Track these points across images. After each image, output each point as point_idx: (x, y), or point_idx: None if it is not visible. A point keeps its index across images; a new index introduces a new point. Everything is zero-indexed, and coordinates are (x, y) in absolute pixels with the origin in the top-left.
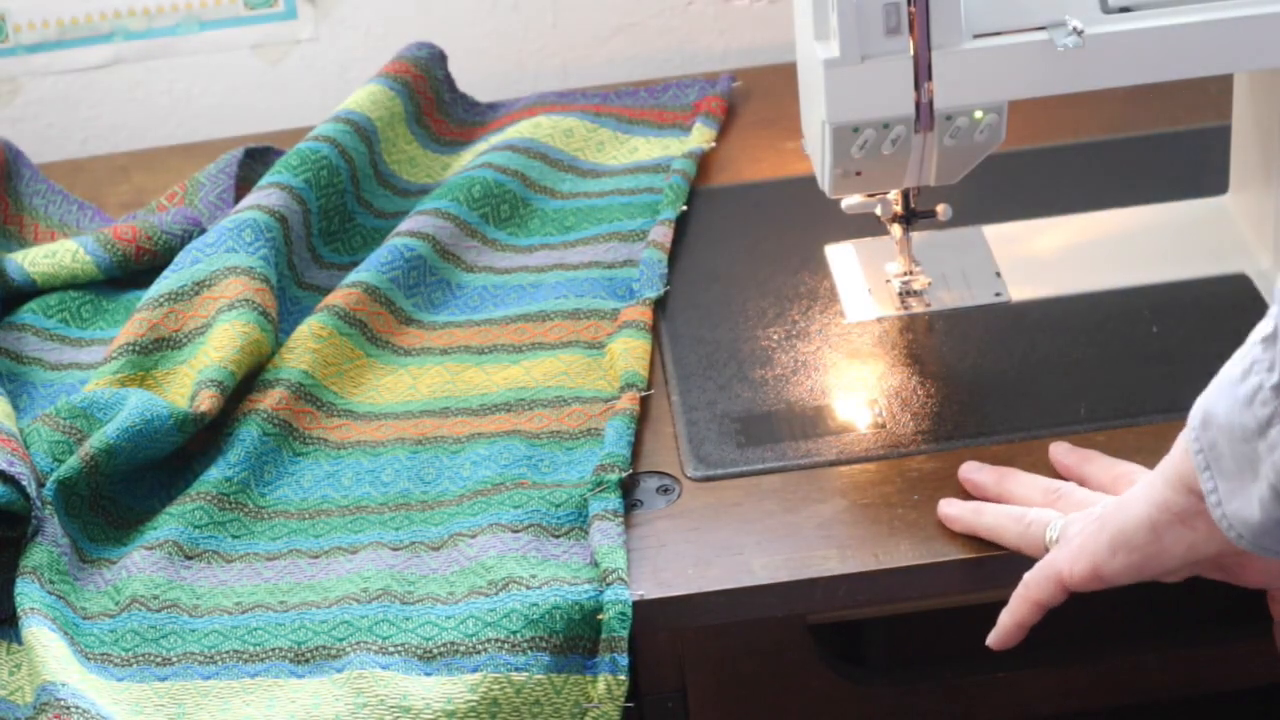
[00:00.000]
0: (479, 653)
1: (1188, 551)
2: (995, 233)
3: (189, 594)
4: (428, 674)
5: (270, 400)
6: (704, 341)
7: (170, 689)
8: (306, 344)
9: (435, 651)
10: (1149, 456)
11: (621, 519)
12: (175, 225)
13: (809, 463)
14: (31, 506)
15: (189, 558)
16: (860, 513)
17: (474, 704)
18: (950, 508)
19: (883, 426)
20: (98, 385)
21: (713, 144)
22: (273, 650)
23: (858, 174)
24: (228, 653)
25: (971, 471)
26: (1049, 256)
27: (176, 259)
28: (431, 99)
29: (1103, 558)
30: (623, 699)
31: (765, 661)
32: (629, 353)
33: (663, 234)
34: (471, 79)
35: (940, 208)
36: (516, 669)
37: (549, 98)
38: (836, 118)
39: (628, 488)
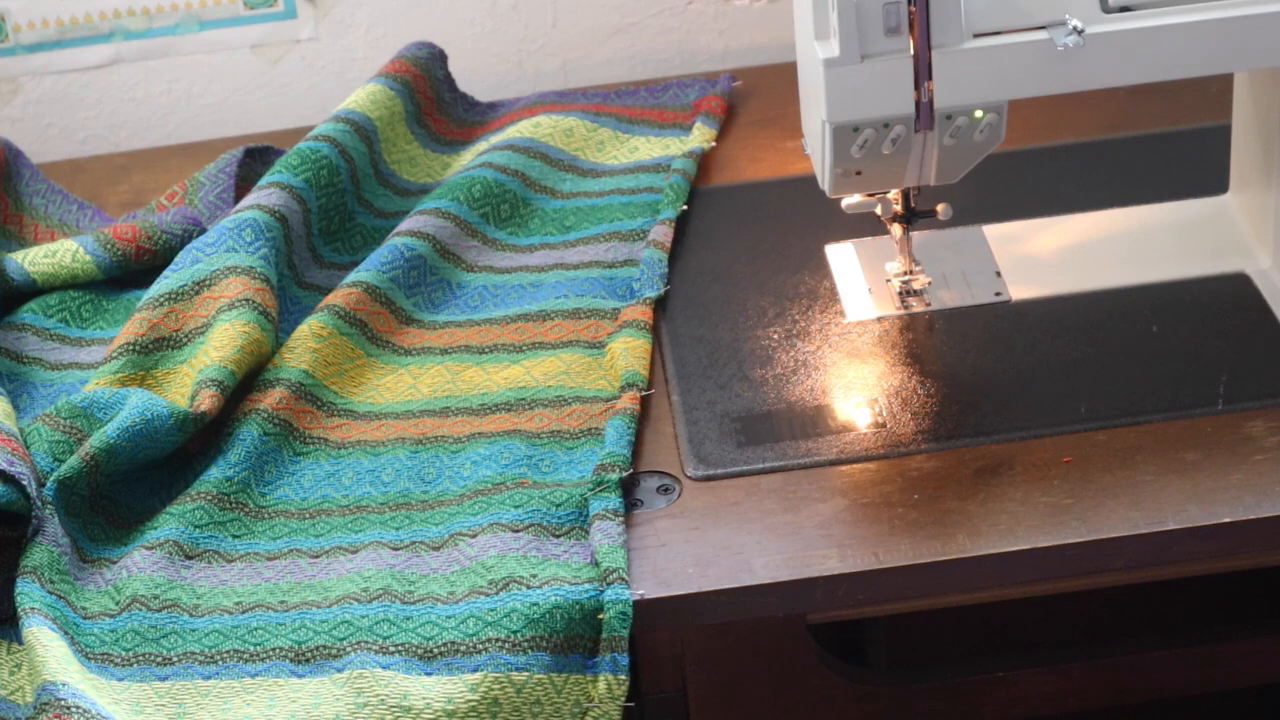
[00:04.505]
0: (479, 652)
1: None
2: (995, 232)
3: (189, 594)
4: (428, 674)
5: (270, 400)
6: (704, 341)
7: (170, 689)
8: (307, 344)
9: (436, 651)
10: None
11: (622, 518)
12: (175, 225)
13: (809, 462)
14: (32, 506)
15: (189, 557)
16: (860, 512)
17: (474, 704)
18: None
19: (883, 426)
20: (98, 385)
21: (713, 144)
22: (273, 650)
23: (858, 173)
24: (228, 652)
25: None
26: (1049, 256)
27: (176, 259)
28: (431, 99)
29: None
30: (623, 698)
31: (765, 661)
32: (629, 352)
33: (663, 233)
34: (471, 79)
35: (940, 207)
36: (517, 668)
37: (549, 97)
38: (836, 117)
39: (628, 487)
